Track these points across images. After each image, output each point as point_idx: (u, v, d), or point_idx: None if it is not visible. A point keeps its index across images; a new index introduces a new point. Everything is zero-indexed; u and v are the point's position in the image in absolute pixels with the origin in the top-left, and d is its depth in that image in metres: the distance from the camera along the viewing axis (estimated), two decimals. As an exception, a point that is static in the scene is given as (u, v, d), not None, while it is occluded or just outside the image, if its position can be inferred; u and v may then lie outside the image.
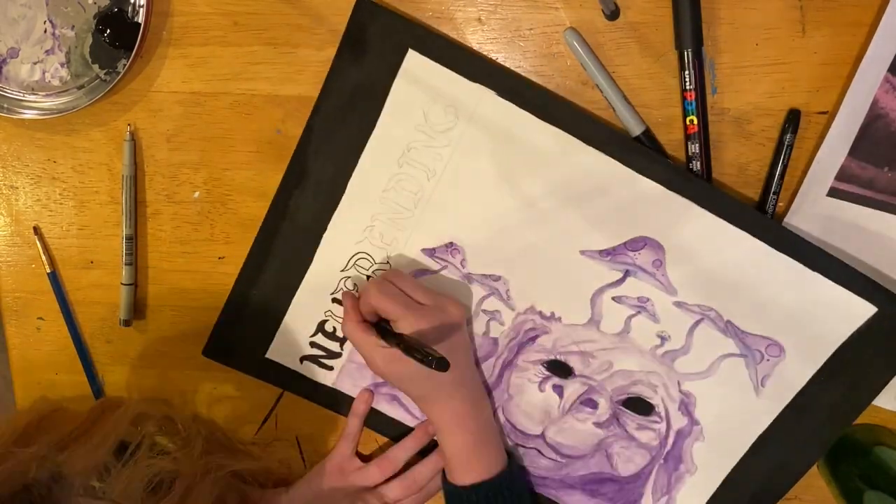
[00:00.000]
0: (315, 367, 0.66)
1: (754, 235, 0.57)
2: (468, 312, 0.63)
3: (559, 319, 0.62)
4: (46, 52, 0.61)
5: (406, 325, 0.56)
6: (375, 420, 0.67)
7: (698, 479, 0.64)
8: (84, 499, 0.49)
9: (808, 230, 0.58)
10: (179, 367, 0.68)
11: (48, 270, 0.66)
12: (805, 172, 0.58)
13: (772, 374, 0.60)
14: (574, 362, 0.63)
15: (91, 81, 0.62)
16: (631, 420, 0.63)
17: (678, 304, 0.60)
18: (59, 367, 0.69)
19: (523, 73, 0.59)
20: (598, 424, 0.64)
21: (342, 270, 0.64)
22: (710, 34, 0.57)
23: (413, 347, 0.51)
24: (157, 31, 0.60)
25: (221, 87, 0.61)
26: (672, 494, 0.64)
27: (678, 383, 0.62)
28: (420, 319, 0.56)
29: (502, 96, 0.58)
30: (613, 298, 0.61)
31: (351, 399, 0.67)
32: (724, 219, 0.57)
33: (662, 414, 0.63)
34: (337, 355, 0.66)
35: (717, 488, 0.63)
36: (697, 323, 0.60)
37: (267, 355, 0.66)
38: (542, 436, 0.65)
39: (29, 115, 0.62)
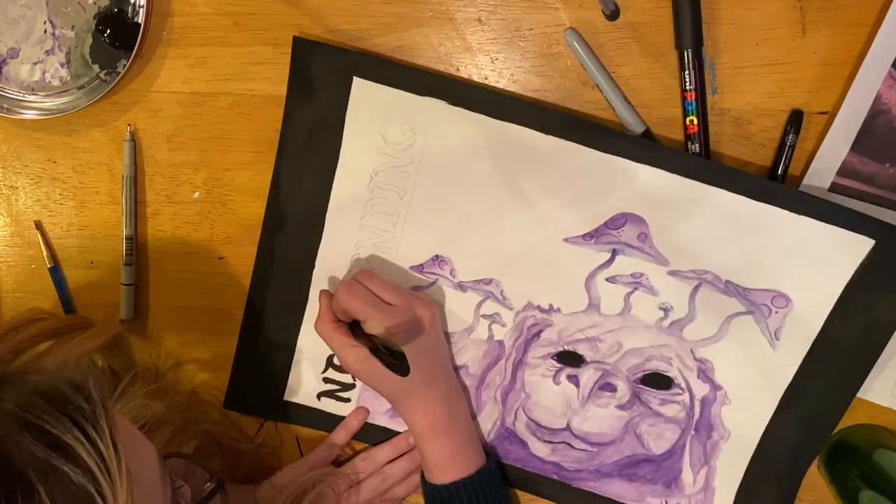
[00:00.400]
0: (332, 401, 0.67)
1: (733, 191, 0.57)
2: (440, 309, 0.62)
3: (559, 310, 0.62)
4: (46, 52, 0.61)
5: (374, 325, 0.56)
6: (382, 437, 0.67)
7: (734, 443, 0.63)
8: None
9: (808, 229, 0.58)
10: (180, 368, 0.68)
11: (49, 265, 0.66)
12: (804, 172, 0.58)
13: (784, 326, 0.60)
14: (583, 350, 0.63)
15: (91, 82, 0.62)
16: (653, 396, 0.63)
17: (673, 273, 0.60)
18: (59, 368, 0.69)
19: (523, 73, 0.59)
20: (620, 407, 0.64)
21: None
22: (710, 34, 0.57)
23: (378, 348, 0.52)
24: (157, 31, 0.60)
25: (221, 88, 0.61)
26: (711, 464, 0.64)
27: (691, 351, 0.62)
28: (388, 319, 0.56)
29: (452, 104, 0.58)
30: (607, 279, 0.61)
31: (370, 426, 0.67)
32: (699, 180, 0.57)
33: (683, 385, 0.63)
34: (351, 387, 0.66)
35: (756, 449, 0.63)
36: (697, 288, 0.60)
37: (285, 398, 0.67)
38: (568, 428, 0.65)
39: (29, 115, 0.62)
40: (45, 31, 0.61)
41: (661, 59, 0.58)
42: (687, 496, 0.65)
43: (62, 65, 0.62)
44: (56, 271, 0.66)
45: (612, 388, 0.63)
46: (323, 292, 0.61)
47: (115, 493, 0.37)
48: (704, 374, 0.62)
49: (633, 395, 0.63)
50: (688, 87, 0.57)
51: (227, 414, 0.68)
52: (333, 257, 0.63)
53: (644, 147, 0.57)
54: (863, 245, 0.57)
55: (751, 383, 0.62)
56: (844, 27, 0.56)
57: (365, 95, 0.59)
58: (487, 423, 0.65)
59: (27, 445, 0.36)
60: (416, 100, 0.58)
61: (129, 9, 0.60)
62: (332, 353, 0.65)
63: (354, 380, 0.66)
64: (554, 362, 0.63)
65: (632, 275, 0.60)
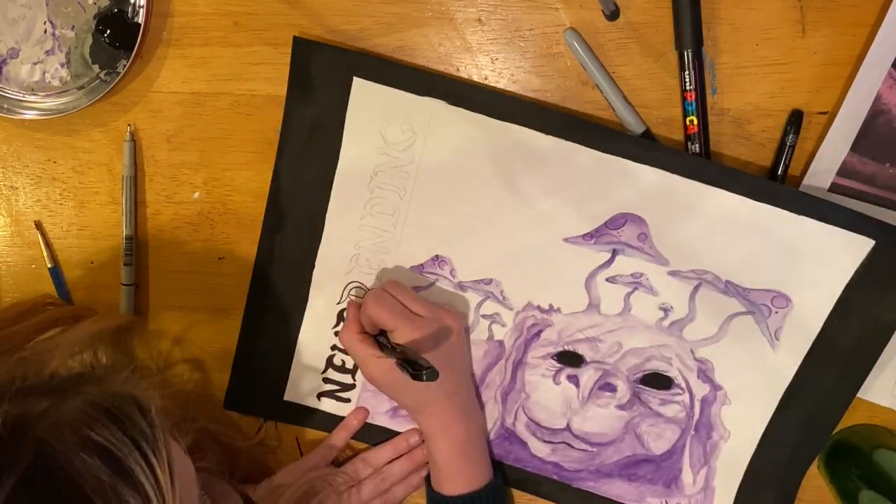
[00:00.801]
0: (332, 401, 0.67)
1: (733, 191, 0.57)
2: (465, 322, 0.63)
3: (559, 310, 0.62)
4: (46, 52, 0.61)
5: (402, 335, 0.57)
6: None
7: (734, 443, 0.63)
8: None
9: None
10: (180, 368, 0.68)
11: (49, 265, 0.66)
12: (804, 172, 0.58)
13: (784, 326, 0.60)
14: (583, 350, 0.63)
15: (91, 82, 0.62)
16: (653, 397, 0.63)
17: (673, 273, 0.60)
18: (59, 368, 0.69)
19: (523, 73, 0.59)
20: (620, 407, 0.64)
21: (338, 303, 0.64)
22: (710, 34, 0.57)
23: (406, 359, 0.52)
24: (157, 31, 0.60)
25: (221, 88, 0.61)
26: (711, 464, 0.64)
27: (691, 351, 0.62)
28: (416, 330, 0.57)
29: (452, 104, 0.58)
30: (607, 279, 0.61)
31: (370, 426, 0.67)
32: (699, 180, 0.57)
33: (683, 385, 0.63)
34: (351, 387, 0.66)
35: (755, 450, 0.63)
36: (696, 288, 0.60)
37: (285, 398, 0.67)
38: (568, 428, 0.65)
39: (29, 115, 0.62)
40: (45, 32, 0.61)
41: (661, 59, 0.58)
42: (687, 496, 0.65)
43: (62, 65, 0.62)
44: (56, 271, 0.66)
45: (612, 389, 0.63)
46: (351, 303, 0.62)
47: None
48: (704, 374, 0.62)
49: (633, 395, 0.63)
50: (688, 87, 0.57)
51: (224, 411, 0.68)
52: (333, 257, 0.63)
53: (644, 147, 0.57)
54: (863, 245, 0.57)
55: (751, 383, 0.62)
56: (844, 27, 0.56)
57: (365, 95, 0.59)
58: (487, 423, 0.65)
59: (93, 468, 0.36)
60: (415, 100, 0.58)
61: (129, 9, 0.60)
62: (331, 353, 0.65)
63: (354, 380, 0.66)
64: (554, 362, 0.63)
65: (632, 275, 0.60)
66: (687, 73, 0.56)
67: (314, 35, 0.59)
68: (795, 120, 0.57)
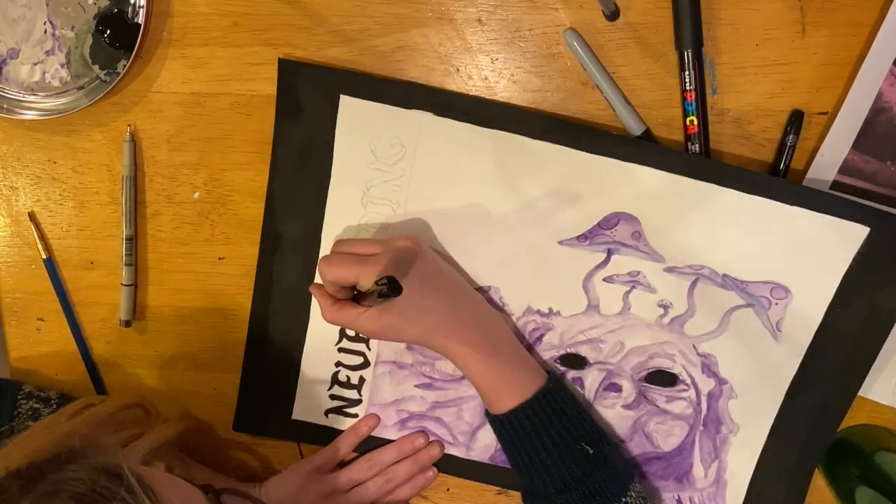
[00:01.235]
0: (340, 417, 0.67)
1: (727, 186, 0.57)
2: (421, 239, 0.60)
3: (559, 313, 0.62)
4: (46, 52, 0.61)
5: (367, 279, 0.55)
6: None
7: (743, 437, 0.63)
8: None
9: (809, 228, 0.58)
10: (180, 368, 0.68)
11: (44, 257, 0.66)
12: (804, 172, 0.58)
13: (785, 317, 0.60)
14: (585, 351, 0.63)
15: (91, 82, 0.62)
16: (658, 394, 0.63)
17: (669, 270, 0.60)
18: (59, 368, 0.69)
19: (523, 74, 0.59)
20: (627, 406, 0.64)
21: None
22: (710, 34, 0.57)
23: (380, 294, 0.49)
24: (157, 31, 0.60)
25: (221, 88, 0.61)
26: (721, 458, 0.64)
27: (694, 347, 0.62)
28: (375, 266, 0.55)
29: (439, 115, 0.58)
30: (605, 280, 0.61)
31: (376, 440, 0.67)
32: (689, 176, 0.57)
33: (688, 381, 0.63)
34: (357, 402, 0.66)
35: (765, 442, 0.63)
36: (694, 283, 0.60)
37: (293, 417, 0.67)
38: None
39: (29, 115, 0.62)
40: (45, 32, 0.61)
41: (661, 59, 0.58)
42: (699, 490, 0.65)
43: (62, 65, 0.62)
44: (51, 264, 0.66)
45: (617, 389, 0.63)
46: (313, 286, 0.61)
47: None
48: (708, 368, 0.62)
49: (639, 393, 0.63)
50: (688, 88, 0.57)
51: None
52: None
53: (644, 147, 0.57)
54: (858, 233, 0.57)
55: (756, 376, 0.62)
56: (844, 27, 0.56)
57: (352, 112, 0.59)
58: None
59: None
60: (402, 113, 0.59)
61: (129, 9, 0.60)
62: (336, 370, 0.65)
63: (360, 395, 0.66)
64: (557, 366, 0.63)
65: (629, 273, 0.60)
66: (687, 73, 0.56)
67: (314, 35, 0.59)
68: (796, 120, 0.57)
